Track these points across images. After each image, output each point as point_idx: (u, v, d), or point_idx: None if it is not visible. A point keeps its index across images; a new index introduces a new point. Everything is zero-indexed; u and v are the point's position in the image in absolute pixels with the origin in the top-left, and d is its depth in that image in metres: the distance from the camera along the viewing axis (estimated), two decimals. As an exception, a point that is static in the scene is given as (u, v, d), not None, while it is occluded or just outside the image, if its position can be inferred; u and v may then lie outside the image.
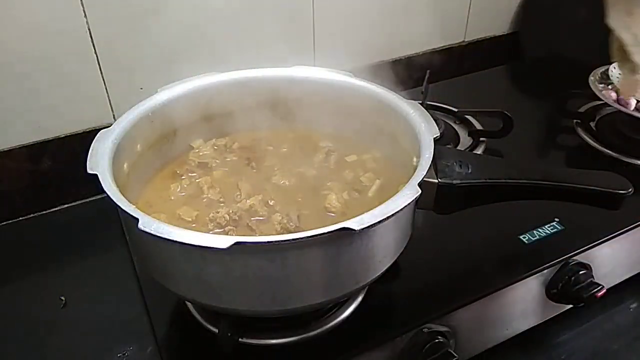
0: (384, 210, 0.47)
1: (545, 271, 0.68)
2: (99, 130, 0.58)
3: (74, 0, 0.75)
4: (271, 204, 0.61)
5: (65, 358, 0.62)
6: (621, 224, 0.72)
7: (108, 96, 0.84)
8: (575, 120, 0.96)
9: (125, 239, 0.71)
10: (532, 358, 0.71)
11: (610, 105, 0.89)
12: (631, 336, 0.73)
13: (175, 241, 0.44)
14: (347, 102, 0.70)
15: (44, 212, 0.84)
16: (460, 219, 0.62)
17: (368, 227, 0.46)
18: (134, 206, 0.48)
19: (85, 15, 0.77)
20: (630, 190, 0.60)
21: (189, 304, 0.63)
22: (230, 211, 0.58)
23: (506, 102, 1.05)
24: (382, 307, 0.63)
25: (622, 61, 0.83)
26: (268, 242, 0.45)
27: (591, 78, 0.93)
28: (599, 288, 0.67)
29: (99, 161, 0.53)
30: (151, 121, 0.64)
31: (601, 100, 0.90)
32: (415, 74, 0.98)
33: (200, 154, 0.70)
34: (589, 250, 0.70)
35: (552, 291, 0.69)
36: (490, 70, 1.20)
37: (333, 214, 0.60)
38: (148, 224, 0.45)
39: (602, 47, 0.83)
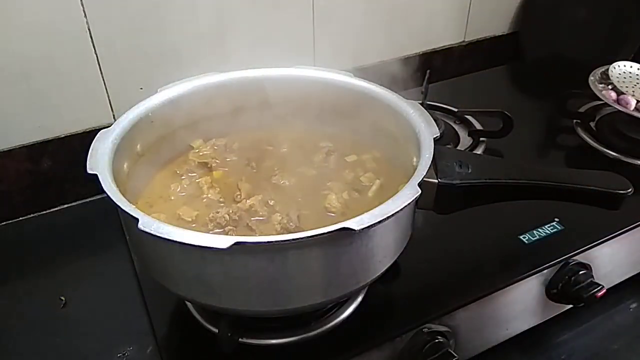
0: (384, 210, 0.47)
1: (545, 271, 0.68)
2: (99, 130, 0.58)
3: (73, 0, 0.75)
4: (271, 204, 0.61)
5: (65, 358, 0.62)
6: (621, 224, 0.72)
7: (108, 96, 0.84)
8: (575, 120, 0.96)
9: (125, 239, 0.71)
10: (532, 358, 0.71)
11: (610, 105, 0.89)
12: (631, 336, 0.73)
13: (175, 241, 0.44)
14: (347, 102, 0.70)
15: (44, 212, 0.84)
16: (460, 219, 0.62)
17: (368, 227, 0.46)
18: (134, 206, 0.48)
19: (85, 15, 0.77)
20: (630, 190, 0.60)
21: (189, 304, 0.63)
22: (230, 211, 0.58)
23: (506, 102, 1.05)
24: (382, 307, 0.63)
25: None
26: (268, 242, 0.45)
27: (591, 78, 0.93)
28: (599, 288, 0.67)
29: (99, 161, 0.53)
30: (151, 121, 0.64)
31: (601, 100, 0.90)
32: (415, 74, 0.98)
33: (200, 154, 0.70)
34: (589, 250, 0.70)
35: (552, 291, 0.69)
36: (490, 70, 1.20)
37: (333, 214, 0.60)
38: (148, 224, 0.45)
39: (602, 47, 0.83)
